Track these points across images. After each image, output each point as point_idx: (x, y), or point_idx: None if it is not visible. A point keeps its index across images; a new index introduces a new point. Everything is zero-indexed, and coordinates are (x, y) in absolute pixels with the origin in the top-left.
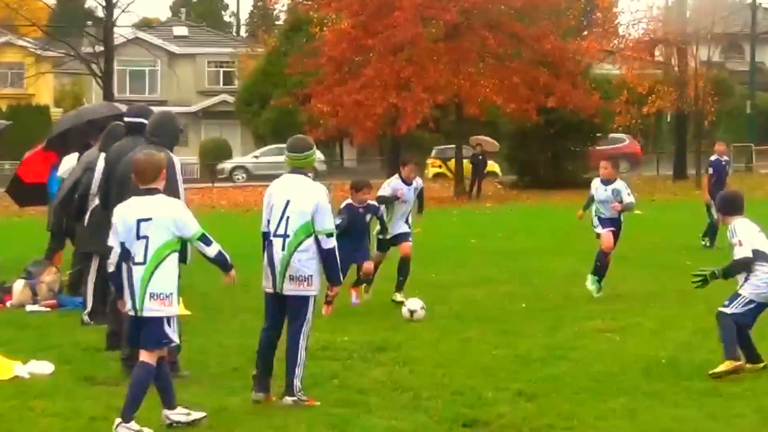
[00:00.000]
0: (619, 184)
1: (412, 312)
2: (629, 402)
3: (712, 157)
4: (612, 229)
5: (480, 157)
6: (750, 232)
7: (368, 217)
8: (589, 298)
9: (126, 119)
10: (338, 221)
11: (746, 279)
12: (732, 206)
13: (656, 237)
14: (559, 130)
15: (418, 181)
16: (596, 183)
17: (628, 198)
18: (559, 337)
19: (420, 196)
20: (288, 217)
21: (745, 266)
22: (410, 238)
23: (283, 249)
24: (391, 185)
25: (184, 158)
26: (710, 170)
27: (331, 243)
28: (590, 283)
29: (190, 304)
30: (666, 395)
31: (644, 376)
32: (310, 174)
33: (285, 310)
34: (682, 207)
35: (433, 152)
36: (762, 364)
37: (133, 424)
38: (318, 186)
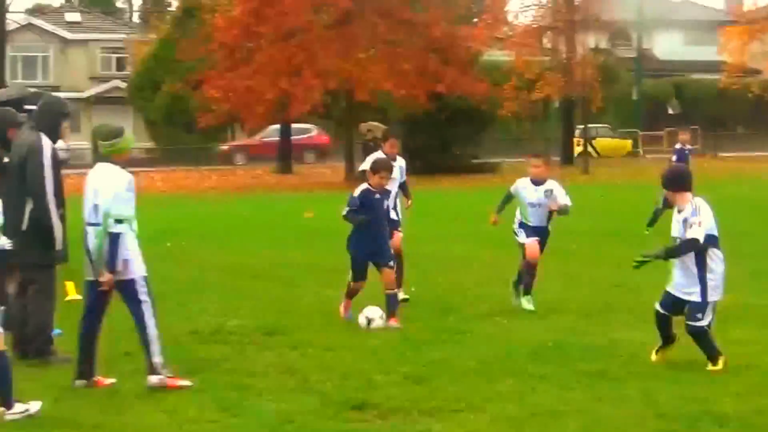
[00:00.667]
0: (553, 184)
1: (369, 320)
2: (516, 384)
3: (677, 146)
4: (537, 239)
5: (371, 143)
6: (710, 216)
7: (386, 204)
8: (477, 282)
9: (24, 106)
10: (351, 206)
11: (703, 283)
12: (684, 181)
13: None
14: (449, 116)
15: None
16: (523, 183)
17: (565, 199)
18: (448, 320)
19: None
20: (96, 206)
21: (693, 249)
22: (399, 227)
23: (95, 237)
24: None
25: (76, 144)
26: (674, 158)
27: (117, 229)
28: (526, 302)
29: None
30: (553, 377)
31: (531, 358)
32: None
33: (106, 298)
34: (569, 192)
35: (578, 132)
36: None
37: (18, 406)
38: (121, 173)
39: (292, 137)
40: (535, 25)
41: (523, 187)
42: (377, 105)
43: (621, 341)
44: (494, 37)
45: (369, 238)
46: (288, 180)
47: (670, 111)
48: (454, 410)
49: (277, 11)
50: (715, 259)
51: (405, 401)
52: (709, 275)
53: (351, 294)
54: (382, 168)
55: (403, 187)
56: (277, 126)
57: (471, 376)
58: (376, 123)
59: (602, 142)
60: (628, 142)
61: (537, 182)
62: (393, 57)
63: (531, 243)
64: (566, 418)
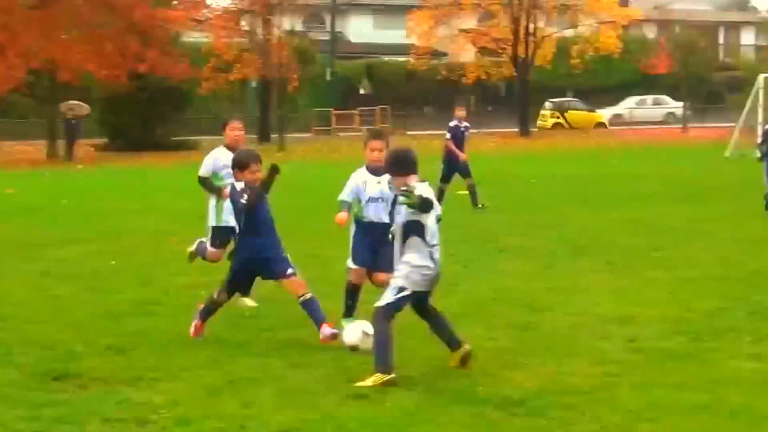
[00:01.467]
0: None
1: (366, 334)
2: (214, 353)
3: (452, 123)
4: (365, 267)
5: (73, 121)
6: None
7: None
8: (177, 255)
9: None
10: (239, 204)
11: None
12: (407, 163)
13: None
14: (149, 95)
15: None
16: (362, 175)
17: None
18: (149, 292)
19: None
20: None
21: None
22: None
23: None
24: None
25: None
26: (448, 135)
27: None
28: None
29: None
30: (249, 346)
31: (229, 328)
32: None
33: None
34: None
35: (549, 105)
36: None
37: None
38: None
39: None
40: (233, 8)
41: (361, 181)
42: (80, 84)
43: None
44: (194, 20)
45: (254, 243)
46: None
47: (362, 91)
48: (154, 379)
49: None
50: (423, 250)
51: (106, 371)
52: (407, 260)
53: (211, 310)
54: (251, 161)
55: None
56: None
57: (170, 346)
58: (77, 102)
59: (573, 115)
60: (598, 114)
61: (377, 171)
62: (95, 38)
63: (357, 270)
64: (262, 385)
